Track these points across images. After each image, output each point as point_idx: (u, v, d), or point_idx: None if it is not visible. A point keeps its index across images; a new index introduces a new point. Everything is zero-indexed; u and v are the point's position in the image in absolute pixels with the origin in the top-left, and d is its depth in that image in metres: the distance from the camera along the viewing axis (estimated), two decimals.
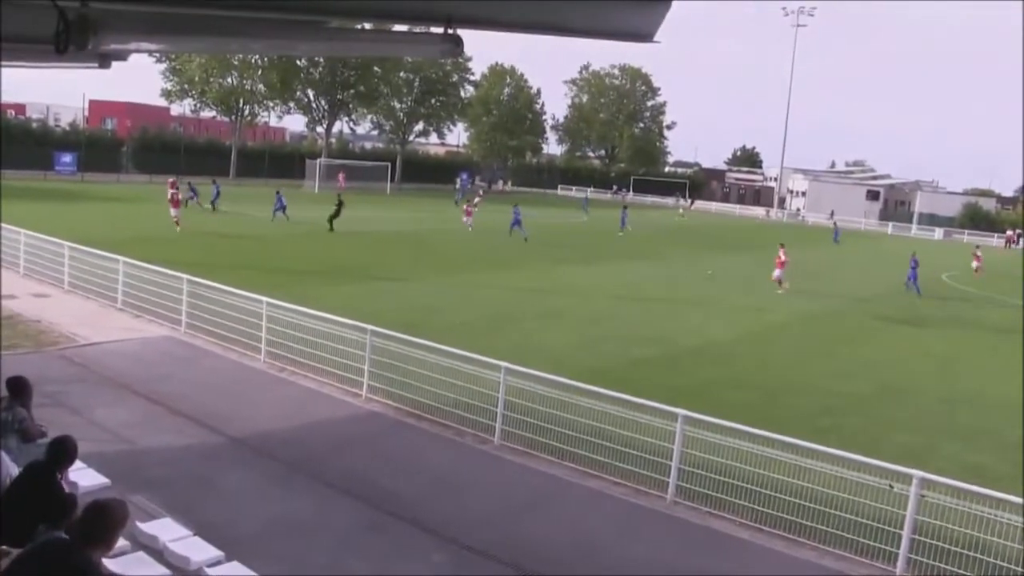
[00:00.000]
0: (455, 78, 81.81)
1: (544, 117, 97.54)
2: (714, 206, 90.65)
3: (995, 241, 69.55)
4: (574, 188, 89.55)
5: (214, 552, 6.67)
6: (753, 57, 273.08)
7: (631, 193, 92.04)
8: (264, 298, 13.96)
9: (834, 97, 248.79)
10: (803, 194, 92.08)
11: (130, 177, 59.03)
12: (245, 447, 10.13)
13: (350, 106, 76.75)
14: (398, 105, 79.42)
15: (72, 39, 4.75)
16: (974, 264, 40.54)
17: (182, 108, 73.77)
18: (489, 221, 41.56)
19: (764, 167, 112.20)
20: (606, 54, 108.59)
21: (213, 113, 72.66)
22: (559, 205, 68.67)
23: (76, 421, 9.91)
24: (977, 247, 45.83)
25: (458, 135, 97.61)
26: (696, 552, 8.65)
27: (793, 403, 14.23)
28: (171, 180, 35.79)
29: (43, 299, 17.09)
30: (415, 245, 33.25)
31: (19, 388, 7.30)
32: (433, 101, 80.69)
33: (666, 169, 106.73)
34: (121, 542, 5.57)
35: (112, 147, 62.87)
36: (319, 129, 78.10)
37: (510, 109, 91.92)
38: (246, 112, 70.14)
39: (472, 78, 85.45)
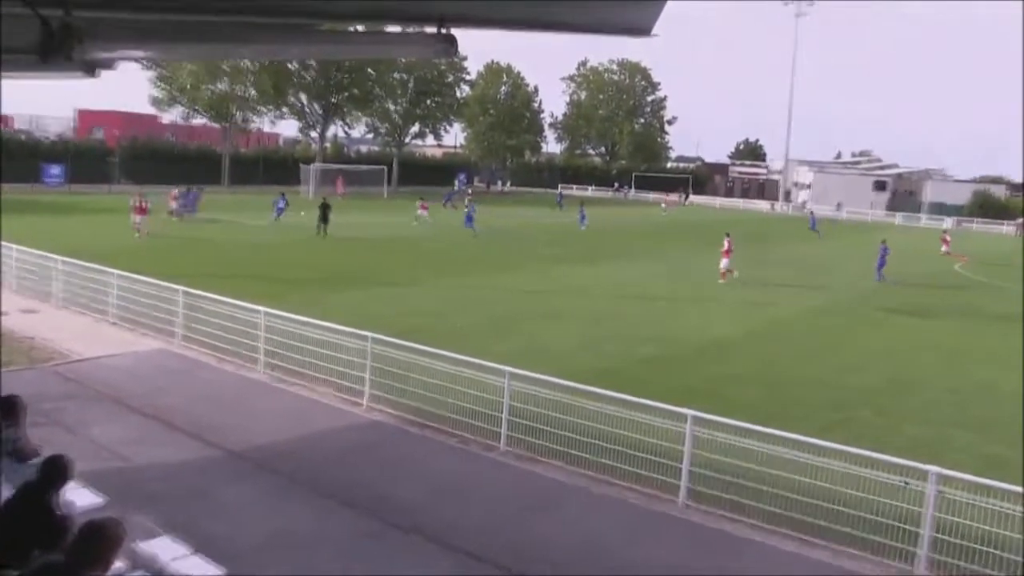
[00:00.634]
0: (450, 78, 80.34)
1: (542, 115, 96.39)
2: (718, 201, 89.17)
3: (1005, 228, 67.85)
4: (575, 187, 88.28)
5: (214, 571, 6.51)
6: (754, 49, 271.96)
7: (633, 190, 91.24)
8: (262, 308, 13.78)
9: (838, 87, 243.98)
10: (808, 186, 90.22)
11: (121, 188, 58.35)
12: (244, 460, 9.96)
13: (344, 109, 75.50)
14: (393, 107, 78.15)
15: (56, 48, 4.62)
16: (943, 248, 42.28)
17: (173, 116, 72.80)
18: (481, 222, 41.03)
19: (768, 160, 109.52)
20: (604, 49, 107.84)
21: (204, 120, 71.77)
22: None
23: (71, 439, 9.72)
24: (945, 231, 47.80)
25: (455, 136, 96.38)
26: (709, 555, 8.49)
27: (801, 396, 14.14)
28: (139, 192, 34.45)
29: (33, 315, 16.78)
30: (413, 249, 33.08)
31: (11, 408, 7.14)
32: (429, 102, 79.25)
33: (668, 165, 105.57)
34: (119, 563, 5.41)
35: (101, 157, 61.17)
36: (313, 134, 77.04)
37: (507, 108, 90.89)
38: (238, 118, 69.38)
39: (468, 77, 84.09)
